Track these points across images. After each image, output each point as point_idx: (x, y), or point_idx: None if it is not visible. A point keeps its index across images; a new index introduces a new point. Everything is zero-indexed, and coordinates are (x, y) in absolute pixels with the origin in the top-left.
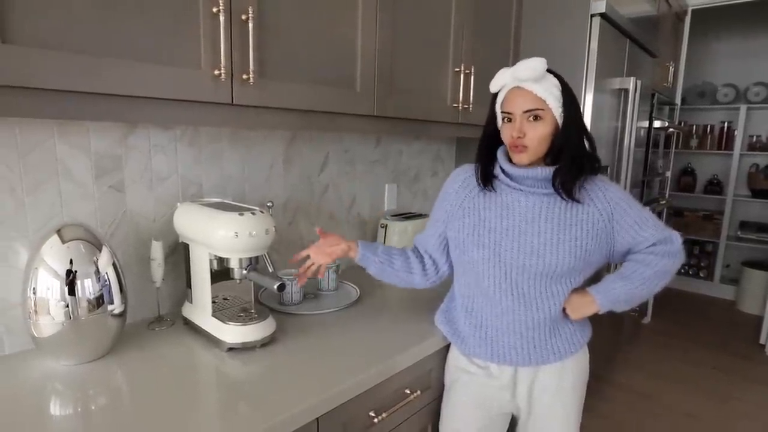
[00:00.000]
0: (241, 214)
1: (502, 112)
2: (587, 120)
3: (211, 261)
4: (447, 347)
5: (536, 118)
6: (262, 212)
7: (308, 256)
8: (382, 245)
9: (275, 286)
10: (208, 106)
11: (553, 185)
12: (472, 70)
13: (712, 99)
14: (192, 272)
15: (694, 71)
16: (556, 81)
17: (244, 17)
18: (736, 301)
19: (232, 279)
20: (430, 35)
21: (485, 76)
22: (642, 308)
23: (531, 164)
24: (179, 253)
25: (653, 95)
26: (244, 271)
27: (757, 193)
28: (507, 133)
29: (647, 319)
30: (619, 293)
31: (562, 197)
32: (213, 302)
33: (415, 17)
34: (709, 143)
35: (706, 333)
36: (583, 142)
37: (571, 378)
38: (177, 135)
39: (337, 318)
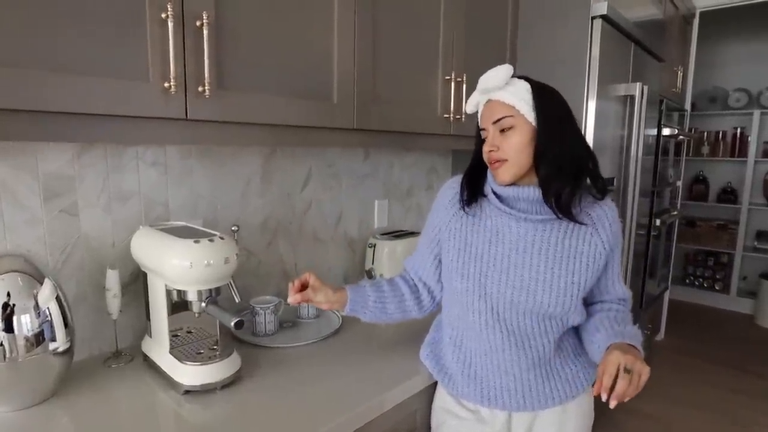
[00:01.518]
0: (197, 242)
1: (480, 130)
2: (589, 128)
3: (170, 291)
4: (434, 385)
5: (508, 128)
6: (222, 238)
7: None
8: (372, 289)
9: (232, 324)
10: (159, 122)
11: (546, 201)
12: (464, 78)
13: (723, 104)
14: (150, 303)
15: (704, 76)
16: (526, 85)
17: (198, 23)
18: (755, 316)
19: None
20: (416, 40)
21: None
22: (655, 324)
23: (522, 183)
24: (142, 281)
25: (661, 101)
26: (203, 304)
27: None
28: (484, 149)
29: (660, 336)
30: (636, 333)
31: (558, 216)
32: (175, 336)
33: (398, 21)
34: (721, 150)
35: (724, 350)
36: (575, 150)
37: (574, 423)
38: (138, 152)
39: (315, 350)
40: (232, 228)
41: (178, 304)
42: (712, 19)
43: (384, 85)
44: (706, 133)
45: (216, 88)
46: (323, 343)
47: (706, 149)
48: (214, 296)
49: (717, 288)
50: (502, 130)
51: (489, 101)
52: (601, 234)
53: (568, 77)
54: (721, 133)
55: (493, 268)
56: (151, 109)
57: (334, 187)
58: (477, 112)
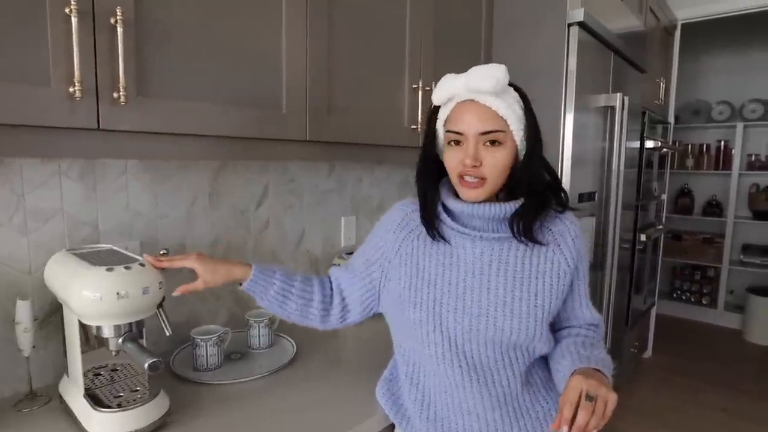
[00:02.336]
0: (110, 270)
1: (448, 131)
2: (568, 140)
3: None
4: (391, 427)
5: (496, 142)
6: (142, 265)
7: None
8: (281, 278)
9: (146, 366)
10: (67, 133)
11: (511, 227)
12: (433, 87)
13: (707, 117)
14: (65, 338)
15: (686, 88)
16: (516, 95)
17: (112, 20)
18: (743, 331)
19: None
20: (378, 44)
21: None
22: (642, 341)
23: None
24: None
25: (644, 113)
26: (120, 341)
27: (760, 215)
28: (455, 159)
29: (648, 353)
30: (606, 358)
31: (519, 240)
32: (96, 375)
33: (357, 22)
34: (705, 163)
35: (713, 368)
36: (545, 167)
37: None
38: (62, 167)
39: (264, 386)
40: (161, 252)
41: (100, 338)
42: (693, 30)
43: (341, 93)
44: (690, 146)
45: (135, 94)
46: (274, 376)
47: (690, 162)
48: (134, 332)
49: (704, 302)
50: (488, 143)
51: (473, 102)
52: (564, 251)
53: (545, 85)
54: (705, 145)
55: (447, 294)
56: (52, 117)
57: (295, 203)
58: (437, 107)
